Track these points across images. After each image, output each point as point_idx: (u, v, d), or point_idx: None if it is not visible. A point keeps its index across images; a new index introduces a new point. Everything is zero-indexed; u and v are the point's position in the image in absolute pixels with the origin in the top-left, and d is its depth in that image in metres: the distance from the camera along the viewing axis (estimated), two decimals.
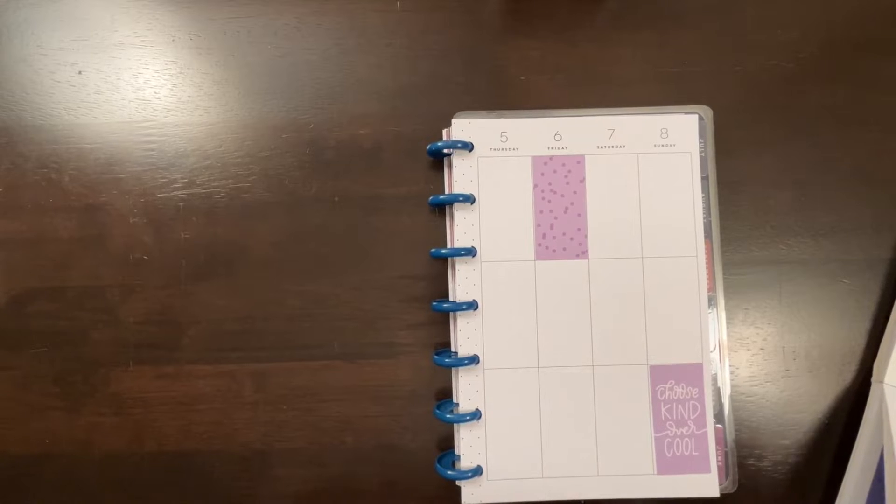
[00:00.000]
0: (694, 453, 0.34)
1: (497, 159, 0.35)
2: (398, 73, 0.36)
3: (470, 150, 0.34)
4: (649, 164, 0.35)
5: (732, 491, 0.34)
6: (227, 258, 0.36)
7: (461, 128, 0.35)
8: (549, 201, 0.34)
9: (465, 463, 0.34)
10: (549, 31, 0.36)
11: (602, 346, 0.34)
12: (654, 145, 0.35)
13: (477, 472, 0.33)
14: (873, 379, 0.34)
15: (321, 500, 0.35)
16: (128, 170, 0.36)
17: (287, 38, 0.36)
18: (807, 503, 0.35)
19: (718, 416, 0.34)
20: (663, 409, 0.34)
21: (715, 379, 0.34)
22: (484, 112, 0.35)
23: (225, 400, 0.35)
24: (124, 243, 0.36)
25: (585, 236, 0.34)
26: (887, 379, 0.33)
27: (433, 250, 0.35)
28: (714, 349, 0.34)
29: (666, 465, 0.34)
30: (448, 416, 0.33)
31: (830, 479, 0.35)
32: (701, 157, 0.35)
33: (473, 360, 0.34)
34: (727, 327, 0.35)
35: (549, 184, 0.35)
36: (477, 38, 0.36)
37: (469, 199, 0.34)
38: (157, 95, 0.36)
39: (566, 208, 0.34)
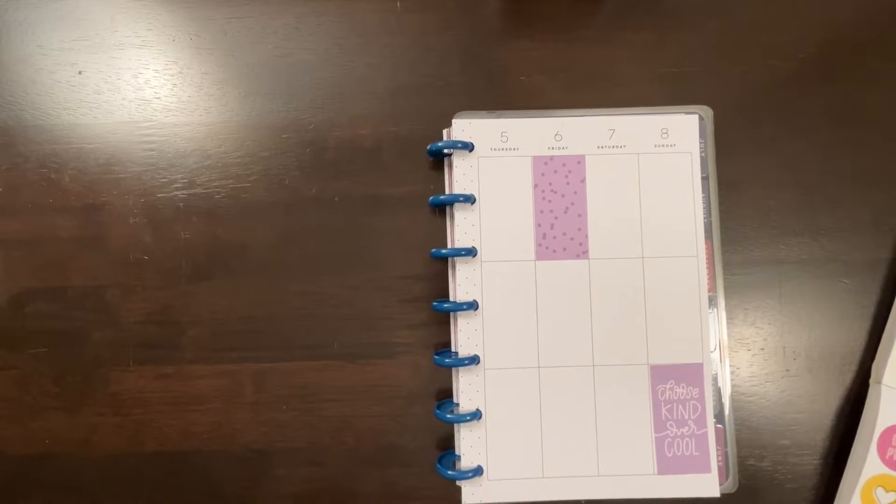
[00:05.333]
0: (694, 453, 0.34)
1: (497, 159, 0.35)
2: (398, 73, 0.36)
3: (470, 150, 0.34)
4: (649, 164, 0.35)
5: (732, 491, 0.34)
6: (227, 258, 0.36)
7: (461, 128, 0.35)
8: (550, 201, 0.34)
9: (466, 463, 0.34)
10: (549, 31, 0.36)
11: (602, 346, 0.34)
12: (655, 145, 0.35)
13: (477, 472, 0.33)
14: (871, 380, 0.34)
15: (321, 500, 0.35)
16: (128, 170, 0.36)
17: (287, 38, 0.36)
18: (807, 503, 0.35)
19: (719, 416, 0.34)
20: (663, 409, 0.34)
21: (715, 379, 0.34)
22: (484, 112, 0.35)
23: (225, 400, 0.35)
24: (124, 243, 0.36)
25: (586, 236, 0.34)
26: (885, 380, 0.33)
27: (433, 250, 0.34)
28: (714, 349, 0.34)
29: (666, 465, 0.34)
30: (448, 416, 0.33)
31: (830, 479, 0.35)
32: (701, 157, 0.35)
33: (473, 360, 0.34)
34: (727, 327, 0.35)
35: (550, 184, 0.35)
36: (477, 38, 0.36)
37: (469, 200, 0.34)
38: (157, 95, 0.36)
39: (566, 208, 0.34)
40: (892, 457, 0.33)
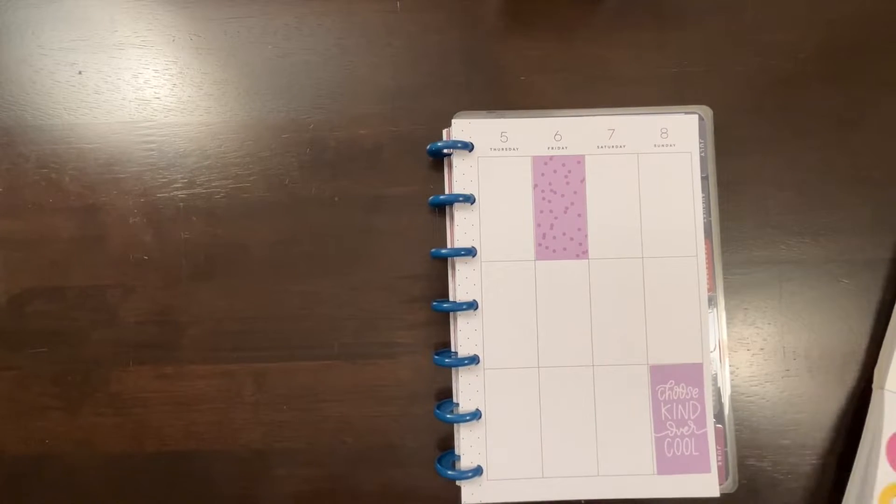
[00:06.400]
0: (694, 453, 0.34)
1: (497, 159, 0.35)
2: (398, 73, 0.36)
3: (470, 150, 0.34)
4: (649, 164, 0.35)
5: (732, 491, 0.34)
6: (227, 258, 0.36)
7: (461, 128, 0.35)
8: (549, 201, 0.34)
9: (466, 463, 0.34)
10: (549, 31, 0.36)
11: (602, 346, 0.34)
12: (654, 145, 0.35)
13: (477, 472, 0.33)
14: (874, 385, 0.34)
15: (321, 500, 0.35)
16: (128, 170, 0.36)
17: (287, 38, 0.36)
18: (806, 503, 0.35)
19: (718, 416, 0.34)
20: (663, 409, 0.34)
21: (715, 379, 0.34)
22: (484, 112, 0.35)
23: (225, 400, 0.35)
24: (124, 243, 0.36)
25: (585, 236, 0.34)
26: (888, 385, 0.33)
27: (433, 250, 0.35)
28: (714, 349, 0.34)
29: (666, 465, 0.34)
30: (448, 416, 0.33)
31: (830, 480, 0.35)
32: (701, 157, 0.35)
33: (473, 360, 0.34)
34: (727, 327, 0.35)
35: (550, 184, 0.35)
36: (477, 38, 0.36)
37: (469, 199, 0.34)
38: (157, 95, 0.36)
39: (566, 208, 0.34)
40: None
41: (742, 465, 0.35)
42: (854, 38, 0.36)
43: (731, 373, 0.35)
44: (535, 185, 0.35)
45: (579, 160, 0.35)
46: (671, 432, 0.34)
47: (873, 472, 0.32)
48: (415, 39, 0.36)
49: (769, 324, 0.35)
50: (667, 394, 0.34)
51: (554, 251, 0.34)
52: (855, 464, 0.34)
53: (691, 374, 0.34)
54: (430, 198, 0.35)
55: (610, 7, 0.37)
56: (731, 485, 0.34)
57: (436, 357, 0.34)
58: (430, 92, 0.36)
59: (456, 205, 0.34)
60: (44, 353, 0.35)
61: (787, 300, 0.36)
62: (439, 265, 0.35)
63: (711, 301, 0.34)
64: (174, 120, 0.36)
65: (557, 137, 0.35)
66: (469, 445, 0.34)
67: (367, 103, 0.36)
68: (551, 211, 0.34)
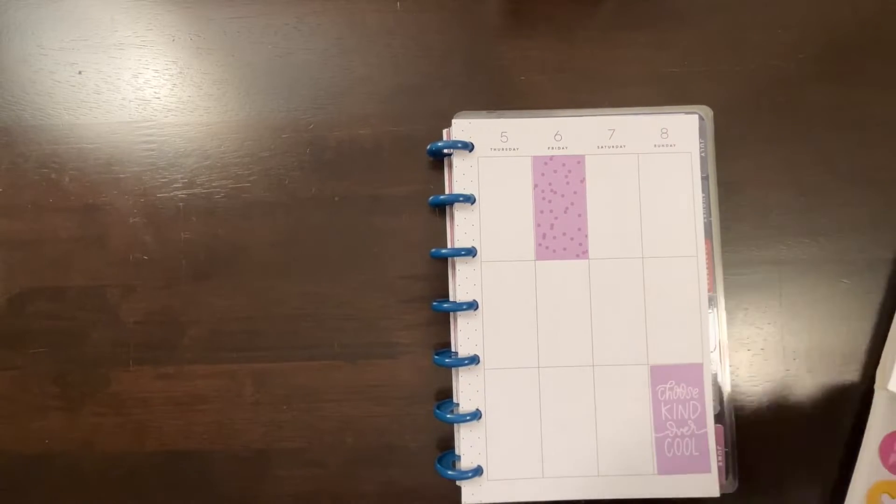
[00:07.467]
0: (694, 453, 0.34)
1: (497, 159, 0.35)
2: (398, 73, 0.36)
3: (470, 150, 0.34)
4: (649, 164, 0.35)
5: (732, 491, 0.34)
6: (227, 258, 0.36)
7: (461, 128, 0.35)
8: (550, 201, 0.34)
9: (466, 463, 0.34)
10: (549, 31, 0.36)
11: (602, 346, 0.34)
12: (655, 145, 0.35)
13: (477, 472, 0.33)
14: (876, 386, 0.34)
15: (321, 500, 0.35)
16: (128, 170, 0.36)
17: (287, 38, 0.36)
18: (806, 503, 0.35)
19: (718, 416, 0.34)
20: (663, 409, 0.34)
21: (715, 379, 0.34)
22: (484, 112, 0.35)
23: (225, 400, 0.35)
24: (124, 243, 0.36)
25: (585, 236, 0.34)
26: (890, 385, 0.33)
27: (433, 250, 0.35)
28: (714, 349, 0.34)
29: (666, 464, 0.34)
30: (448, 416, 0.33)
31: (830, 480, 0.35)
32: (701, 157, 0.35)
33: (473, 360, 0.34)
34: (727, 327, 0.35)
35: (550, 184, 0.35)
36: (477, 38, 0.36)
37: (469, 199, 0.34)
38: (157, 95, 0.36)
39: (566, 208, 0.34)
40: (895, 463, 0.32)
41: (742, 465, 0.35)
42: (853, 39, 0.36)
43: (732, 373, 0.35)
44: (535, 185, 0.35)
45: (579, 160, 0.35)
46: (671, 432, 0.34)
47: (867, 468, 0.33)
48: (415, 39, 0.36)
49: (769, 324, 0.35)
50: (667, 394, 0.34)
51: (554, 251, 0.34)
52: (857, 465, 0.34)
53: (691, 374, 0.34)
54: (430, 198, 0.35)
55: (610, 7, 0.37)
56: (731, 485, 0.34)
57: (436, 357, 0.34)
58: (430, 92, 0.36)
59: (456, 205, 0.34)
60: (44, 353, 0.35)
61: (788, 300, 0.36)
62: (439, 265, 0.35)
63: (711, 301, 0.34)
64: (174, 120, 0.36)
65: (557, 137, 0.35)
66: (469, 445, 0.34)
67: (367, 103, 0.36)
68: (551, 211, 0.34)
